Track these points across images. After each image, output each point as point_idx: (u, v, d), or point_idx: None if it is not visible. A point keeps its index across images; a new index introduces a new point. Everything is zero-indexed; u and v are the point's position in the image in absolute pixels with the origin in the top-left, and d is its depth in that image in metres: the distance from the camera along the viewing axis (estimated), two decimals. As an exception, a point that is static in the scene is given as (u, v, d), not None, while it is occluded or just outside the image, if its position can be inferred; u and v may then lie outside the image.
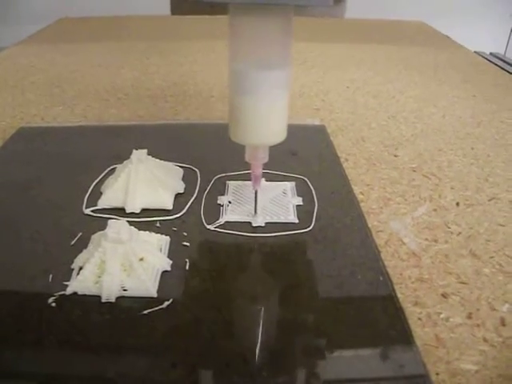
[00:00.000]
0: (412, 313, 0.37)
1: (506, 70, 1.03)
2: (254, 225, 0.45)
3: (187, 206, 0.48)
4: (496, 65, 1.08)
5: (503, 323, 0.37)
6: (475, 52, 1.20)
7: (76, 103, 0.78)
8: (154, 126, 0.68)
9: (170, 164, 0.54)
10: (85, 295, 0.37)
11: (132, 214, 0.47)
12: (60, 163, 0.57)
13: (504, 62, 1.14)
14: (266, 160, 0.44)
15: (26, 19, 1.46)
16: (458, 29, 1.42)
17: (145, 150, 0.50)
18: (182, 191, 0.50)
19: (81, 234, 0.44)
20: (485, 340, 0.35)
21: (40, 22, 1.35)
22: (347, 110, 0.77)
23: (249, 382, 0.32)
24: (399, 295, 0.38)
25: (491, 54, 1.24)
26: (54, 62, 1.01)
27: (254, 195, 0.48)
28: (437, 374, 0.32)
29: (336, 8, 0.39)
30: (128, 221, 0.41)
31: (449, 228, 0.47)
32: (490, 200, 0.52)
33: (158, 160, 0.51)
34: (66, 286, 0.38)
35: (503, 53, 1.69)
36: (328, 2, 0.34)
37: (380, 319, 0.36)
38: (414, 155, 0.62)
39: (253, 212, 0.47)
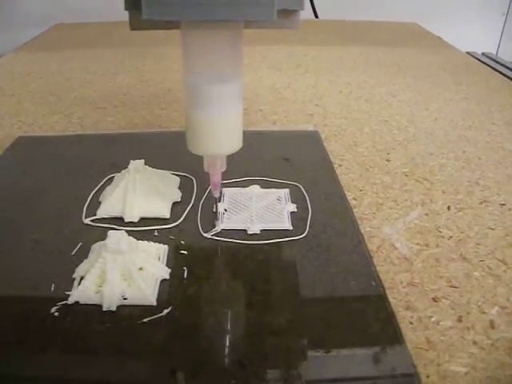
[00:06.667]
0: (403, 317, 0.38)
1: (497, 71, 1.04)
2: (249, 232, 0.47)
3: (184, 214, 0.49)
4: (488, 65, 1.09)
5: (492, 326, 0.38)
6: (467, 52, 1.21)
7: (73, 111, 0.79)
8: (150, 134, 0.69)
9: (167, 173, 0.55)
10: (86, 304, 0.38)
11: (130, 223, 0.48)
12: (59, 172, 0.58)
13: (496, 62, 1.15)
14: (223, 169, 0.45)
15: (21, 23, 1.47)
16: (450, 27, 1.43)
17: (142, 160, 0.51)
18: (178, 200, 0.51)
19: (81, 243, 0.45)
20: (474, 343, 0.36)
21: (36, 26, 1.36)
22: (340, 114, 0.78)
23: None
24: (391, 300, 0.39)
25: (483, 54, 1.26)
26: (49, 69, 1.02)
27: (249, 203, 0.50)
28: (427, 376, 0.33)
29: (286, 20, 0.40)
30: (126, 230, 0.43)
31: (440, 232, 0.49)
32: (480, 203, 0.54)
33: (154, 169, 0.52)
34: (68, 295, 0.39)
35: (495, 52, 1.70)
36: (271, 16, 0.35)
37: (372, 323, 0.37)
38: (406, 159, 0.63)
39: (249, 219, 0.48)
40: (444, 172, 0.60)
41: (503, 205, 0.53)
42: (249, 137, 0.68)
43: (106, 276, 0.39)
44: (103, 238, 0.41)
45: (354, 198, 0.54)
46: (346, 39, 1.27)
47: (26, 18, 1.47)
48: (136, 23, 0.40)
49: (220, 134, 0.42)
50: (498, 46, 1.76)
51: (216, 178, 0.46)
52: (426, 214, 0.51)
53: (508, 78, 1.00)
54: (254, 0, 0.34)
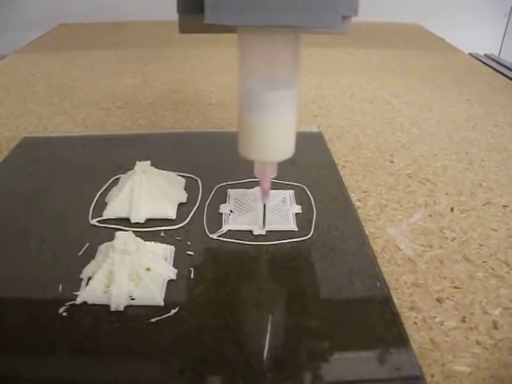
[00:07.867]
0: (408, 317, 0.39)
1: (500, 72, 1.05)
2: (255, 233, 0.47)
3: (190, 215, 0.50)
4: (490, 67, 1.09)
5: (495, 326, 0.38)
6: (470, 54, 1.21)
7: (77, 112, 0.79)
8: (155, 135, 0.70)
9: (173, 174, 0.55)
10: (94, 304, 0.39)
11: (137, 224, 0.48)
12: (64, 173, 0.58)
13: (498, 63, 1.16)
14: (274, 175, 0.45)
15: (24, 24, 1.47)
16: (453, 29, 1.43)
17: (148, 162, 0.51)
18: (184, 201, 0.52)
19: (88, 244, 0.45)
20: (478, 343, 0.37)
21: (38, 27, 1.36)
22: (344, 116, 0.78)
23: (253, 386, 0.33)
24: (395, 300, 0.40)
25: (486, 55, 1.26)
26: (53, 70, 1.02)
27: (254, 204, 0.50)
28: (432, 375, 0.34)
29: (343, 25, 0.39)
30: (133, 231, 0.43)
31: (443, 233, 0.49)
32: (483, 205, 0.54)
33: (160, 171, 0.53)
34: (76, 295, 0.39)
35: (498, 53, 1.70)
36: (336, 22, 0.34)
37: (377, 324, 0.37)
38: (410, 161, 0.63)
39: (254, 220, 0.48)
40: (447, 173, 0.60)
41: (506, 206, 0.54)
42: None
43: (113, 276, 0.39)
44: (110, 238, 0.42)
45: (358, 200, 0.54)
46: (349, 41, 1.28)
47: (29, 19, 1.47)
48: (187, 26, 0.39)
49: (273, 141, 0.41)
50: (501, 47, 1.76)
51: (266, 183, 0.45)
52: (430, 216, 0.52)
53: (510, 79, 1.00)
54: (319, 6, 0.34)
